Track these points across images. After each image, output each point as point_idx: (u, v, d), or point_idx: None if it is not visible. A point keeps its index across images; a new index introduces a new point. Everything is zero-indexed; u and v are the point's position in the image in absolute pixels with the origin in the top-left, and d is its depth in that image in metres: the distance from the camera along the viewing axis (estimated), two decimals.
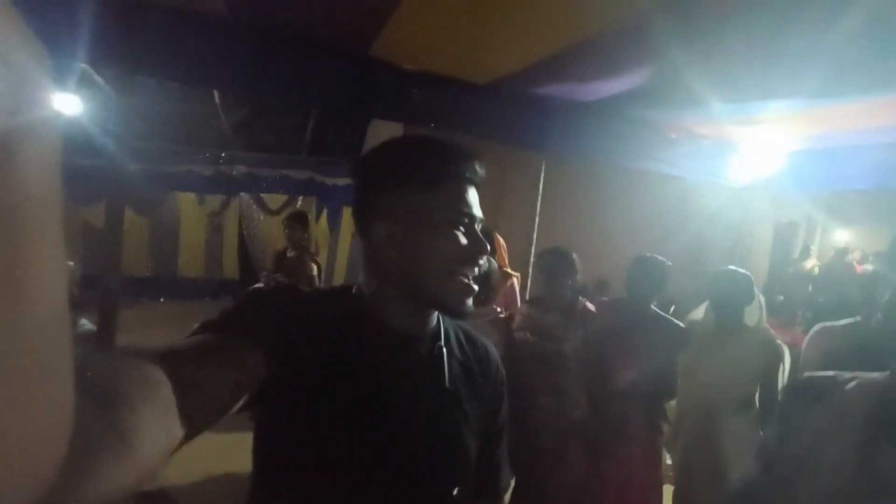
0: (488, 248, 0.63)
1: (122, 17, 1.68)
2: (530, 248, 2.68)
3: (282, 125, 5.05)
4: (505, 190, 3.58)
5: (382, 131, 4.65)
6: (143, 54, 1.78)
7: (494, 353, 0.76)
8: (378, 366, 0.60)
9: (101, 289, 2.27)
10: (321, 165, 5.51)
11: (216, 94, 3.76)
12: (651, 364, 1.64)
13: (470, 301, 0.62)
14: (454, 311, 0.62)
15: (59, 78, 3.57)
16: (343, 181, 5.28)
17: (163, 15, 1.73)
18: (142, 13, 1.70)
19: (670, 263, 1.77)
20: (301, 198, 5.58)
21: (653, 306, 1.79)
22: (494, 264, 1.69)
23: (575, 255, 1.74)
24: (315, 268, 3.04)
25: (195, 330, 0.51)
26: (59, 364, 0.21)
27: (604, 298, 1.80)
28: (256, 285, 3.34)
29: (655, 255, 1.78)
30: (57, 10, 1.56)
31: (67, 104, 3.57)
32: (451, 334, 0.69)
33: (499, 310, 1.70)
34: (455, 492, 0.64)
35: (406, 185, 0.61)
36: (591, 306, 1.77)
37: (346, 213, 4.72)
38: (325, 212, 5.45)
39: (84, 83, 3.53)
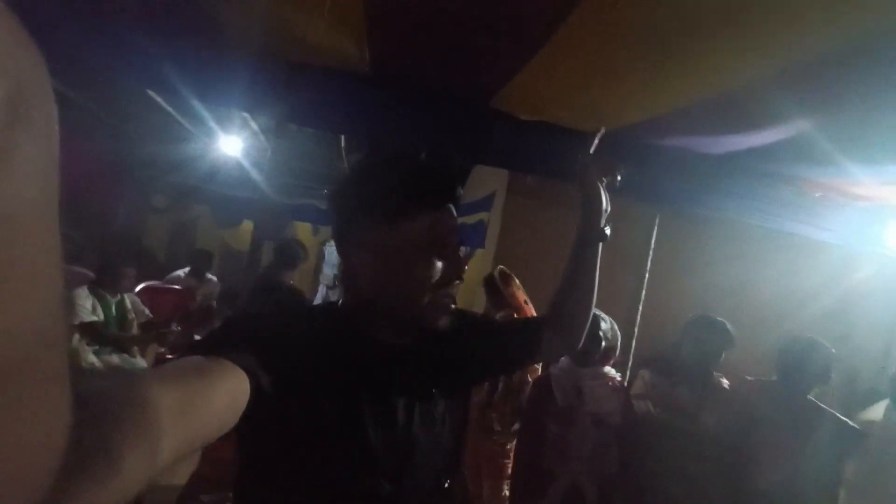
0: (464, 270, 0.64)
1: (279, 75, 1.98)
2: (637, 305, 2.49)
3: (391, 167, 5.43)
4: (615, 241, 3.41)
5: (482, 175, 4.81)
6: (292, 105, 2.07)
7: (464, 316, 0.77)
8: (365, 376, 0.61)
9: (235, 303, 2.57)
10: None
11: (342, 138, 4.20)
12: (808, 468, 1.35)
13: (447, 318, 0.64)
14: (430, 328, 0.64)
15: (224, 123, 4.31)
16: None
17: (313, 72, 2.01)
18: (296, 72, 1.99)
19: (834, 351, 1.49)
20: None
21: (810, 397, 1.52)
22: (615, 327, 1.55)
23: (731, 328, 1.52)
24: None
25: (184, 351, 0.52)
26: (55, 370, 0.21)
27: (747, 378, 1.53)
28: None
29: (817, 338, 1.52)
30: (225, 68, 1.91)
31: (230, 145, 4.32)
32: (432, 341, 0.69)
33: (615, 373, 1.54)
34: (447, 484, 0.66)
35: (379, 216, 0.62)
36: (727, 383, 1.54)
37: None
38: None
39: (243, 128, 4.23)
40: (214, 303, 3.17)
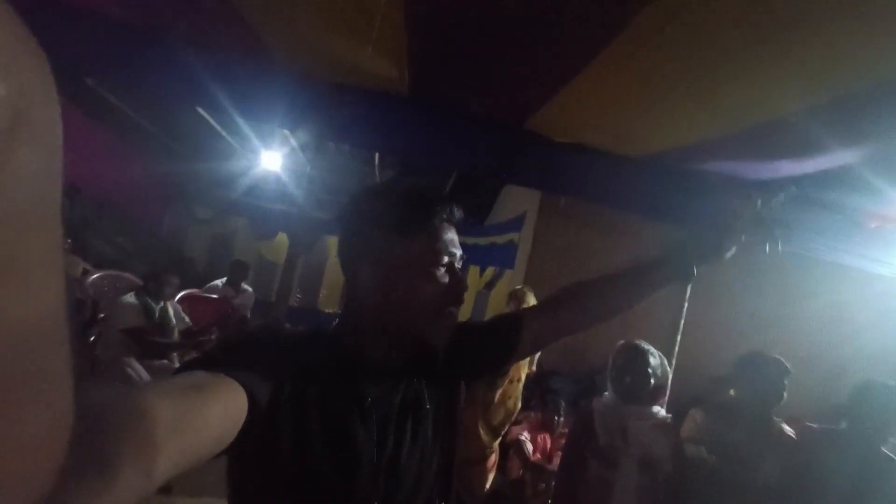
0: (467, 285, 0.65)
1: (320, 94, 2.05)
2: (675, 335, 2.38)
3: (423, 184, 5.53)
4: None
5: (513, 195, 4.80)
6: (331, 124, 2.13)
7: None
8: (359, 399, 0.61)
9: (269, 313, 2.63)
10: None
11: (376, 156, 4.30)
12: None
13: (446, 336, 0.65)
14: (437, 342, 0.65)
15: (266, 140, 4.50)
16: (471, 240, 5.49)
17: (353, 93, 2.08)
18: (337, 92, 2.06)
19: None
20: None
21: (885, 449, 1.35)
22: (665, 363, 1.45)
23: (789, 366, 1.38)
24: None
25: (180, 367, 0.51)
26: (58, 369, 0.21)
27: (811, 425, 1.38)
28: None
29: (890, 383, 1.38)
30: (270, 87, 1.99)
31: (270, 160, 4.52)
32: (423, 357, 0.70)
33: (666, 414, 1.41)
34: None
35: (385, 232, 0.63)
36: (790, 431, 1.38)
37: (472, 272, 4.85)
38: None
39: (283, 145, 4.41)
40: (248, 313, 3.26)
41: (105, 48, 1.90)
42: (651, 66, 1.36)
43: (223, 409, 0.46)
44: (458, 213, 0.68)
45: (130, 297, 2.35)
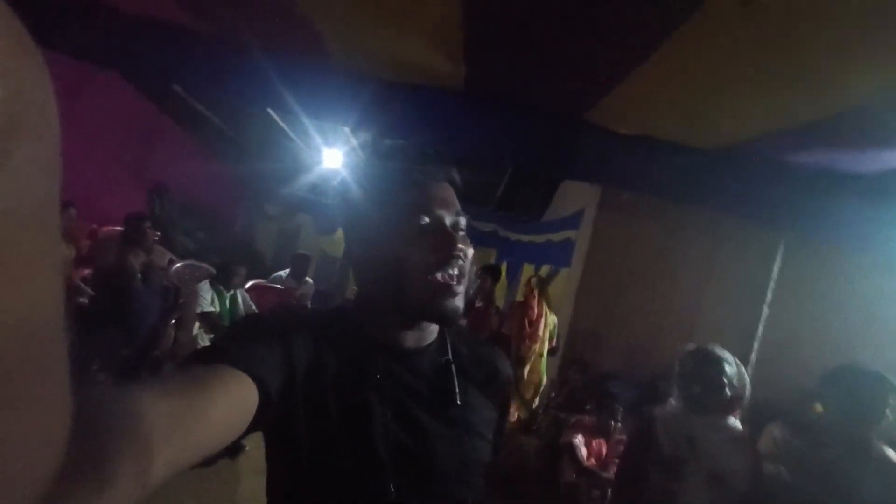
0: (457, 244, 0.58)
1: (378, 91, 2.09)
2: (752, 342, 2.18)
3: (479, 181, 5.49)
4: (725, 267, 3.04)
5: (571, 191, 4.63)
6: (389, 120, 2.16)
7: (502, 360, 0.73)
8: (377, 383, 0.58)
9: (328, 304, 2.74)
10: (506, 220, 5.75)
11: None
12: None
13: (454, 303, 0.58)
14: (437, 315, 0.59)
15: (329, 139, 4.70)
16: (526, 238, 5.39)
17: (410, 89, 2.10)
18: (394, 89, 2.08)
19: None
20: (482, 249, 5.92)
21: None
22: (743, 371, 1.29)
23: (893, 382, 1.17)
24: (499, 322, 3.08)
25: (188, 358, 0.50)
26: (55, 367, 0.21)
27: None
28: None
29: None
30: (331, 86, 2.05)
31: (332, 158, 4.73)
32: (458, 346, 0.67)
33: (741, 426, 1.21)
34: (470, 500, 0.61)
35: (369, 196, 0.61)
36: (893, 455, 1.16)
37: (527, 270, 4.75)
38: (504, 266, 5.62)
39: (344, 143, 4.59)
40: (309, 303, 3.43)
41: (189, 58, 2.07)
42: (729, 46, 1.24)
43: (228, 403, 0.44)
44: (446, 172, 0.62)
45: (205, 285, 2.58)
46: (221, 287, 2.65)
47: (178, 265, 3.96)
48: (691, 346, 1.27)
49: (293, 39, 1.90)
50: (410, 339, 0.62)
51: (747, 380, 1.25)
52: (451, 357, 0.65)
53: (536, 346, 2.98)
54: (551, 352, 3.15)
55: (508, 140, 2.15)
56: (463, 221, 0.62)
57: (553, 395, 3.14)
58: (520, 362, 2.96)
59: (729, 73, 1.40)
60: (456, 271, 0.59)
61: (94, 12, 1.97)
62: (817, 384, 1.23)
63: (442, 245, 0.58)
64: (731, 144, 1.90)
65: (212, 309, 2.54)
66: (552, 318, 3.11)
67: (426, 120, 2.11)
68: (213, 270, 2.87)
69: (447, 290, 0.58)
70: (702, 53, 1.29)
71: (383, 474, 0.55)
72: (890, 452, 1.11)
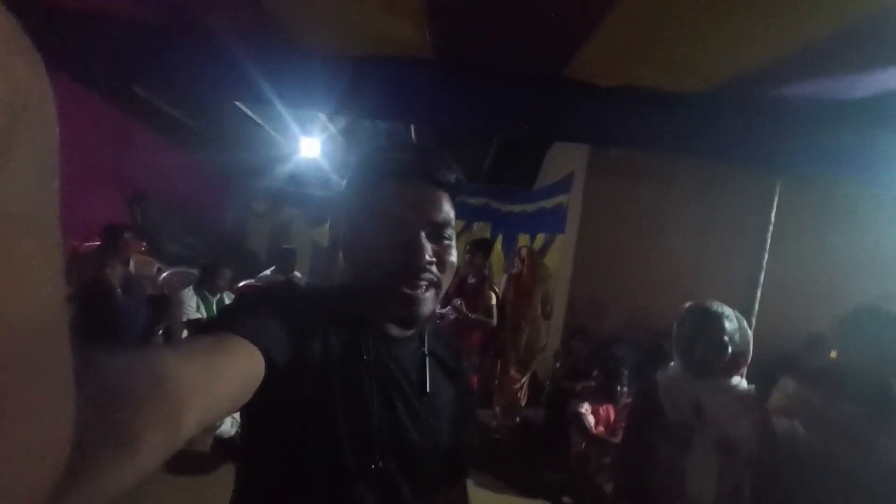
0: (422, 259, 0.56)
1: (346, 71, 1.98)
2: (755, 290, 2.12)
3: (464, 155, 5.38)
4: (722, 217, 2.96)
5: (560, 155, 4.51)
6: (364, 101, 2.05)
7: (464, 356, 0.77)
8: (368, 363, 0.60)
9: None
10: (497, 192, 5.65)
11: (412, 129, 4.20)
12: None
13: (414, 310, 0.58)
14: (395, 319, 0.61)
15: (306, 128, 4.56)
16: (518, 208, 5.29)
17: (378, 64, 1.98)
18: (363, 66, 1.97)
19: None
20: (477, 224, 5.83)
21: None
22: (744, 325, 1.20)
23: None
24: (493, 298, 3.02)
25: (198, 329, 0.51)
26: (57, 369, 0.21)
27: None
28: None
29: None
30: (296, 70, 1.94)
31: (310, 147, 4.59)
32: (432, 338, 0.70)
33: (748, 385, 1.15)
34: (448, 480, 0.68)
35: (345, 191, 0.61)
36: None
37: (522, 240, 4.68)
38: (500, 238, 5.53)
39: (322, 130, 4.44)
40: None
41: (144, 54, 1.96)
42: None
43: (239, 371, 0.46)
44: (421, 165, 0.58)
45: (189, 292, 2.50)
46: (206, 291, 2.57)
47: (166, 273, 3.88)
48: (688, 305, 1.19)
49: (252, 26, 1.79)
50: (395, 329, 0.64)
51: (750, 334, 1.17)
52: (426, 350, 0.67)
53: (530, 313, 3.13)
54: (546, 315, 3.29)
55: (486, 107, 2.05)
56: (448, 230, 0.59)
57: (558, 364, 3.11)
58: (515, 329, 3.12)
59: (704, 8, 1.29)
60: (423, 283, 0.58)
61: (33, 8, 1.83)
62: (833, 329, 1.15)
63: (406, 257, 0.56)
64: (715, 86, 1.80)
65: (198, 315, 2.47)
66: (546, 285, 3.22)
67: (399, 94, 2.01)
68: (197, 273, 2.79)
69: (407, 301, 0.57)
70: None
71: (372, 446, 0.58)
72: None
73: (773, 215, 2.08)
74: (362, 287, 0.61)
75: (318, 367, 0.56)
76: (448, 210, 0.59)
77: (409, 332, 0.66)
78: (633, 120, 1.94)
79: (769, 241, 2.08)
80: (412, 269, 0.57)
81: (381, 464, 0.58)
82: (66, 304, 0.21)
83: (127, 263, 2.58)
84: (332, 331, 0.59)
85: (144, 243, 4.68)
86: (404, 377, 0.63)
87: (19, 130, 0.17)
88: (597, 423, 2.26)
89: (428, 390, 0.65)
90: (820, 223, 2.85)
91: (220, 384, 0.42)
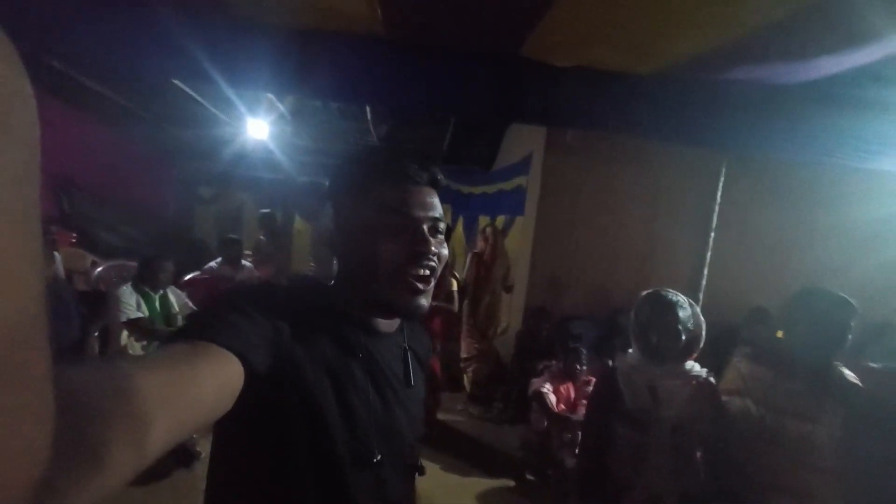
0: (430, 247, 0.62)
1: (297, 48, 1.84)
2: (702, 269, 2.21)
3: (421, 135, 5.27)
4: (673, 196, 3.05)
5: (517, 136, 4.51)
6: (313, 80, 1.93)
7: (429, 342, 0.83)
8: (360, 359, 0.62)
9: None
10: (456, 173, 5.58)
11: (368, 110, 4.05)
12: None
13: (419, 301, 0.62)
14: (402, 311, 0.64)
15: (253, 109, 4.28)
16: (478, 189, 5.27)
17: (327, 41, 1.86)
18: (311, 42, 1.84)
19: None
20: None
21: None
22: (697, 311, 1.24)
23: (856, 303, 1.13)
24: (455, 284, 3.01)
25: (174, 334, 0.50)
26: (36, 374, 0.21)
27: (873, 365, 1.21)
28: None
29: None
30: (240, 47, 1.80)
31: (258, 129, 4.32)
32: (409, 331, 0.74)
33: (700, 369, 1.21)
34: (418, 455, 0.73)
35: (349, 190, 0.65)
36: (852, 376, 1.16)
37: (483, 222, 4.68)
38: (461, 220, 5.51)
39: (269, 111, 4.18)
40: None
41: (59, 21, 1.73)
42: None
43: (216, 380, 0.45)
44: (429, 173, 0.65)
45: (127, 289, 2.29)
46: (146, 287, 2.36)
47: (101, 267, 3.58)
48: (644, 294, 1.21)
49: None
50: (383, 324, 0.67)
51: (702, 321, 1.21)
52: (407, 344, 0.71)
53: (490, 286, 3.35)
54: (507, 289, 3.51)
55: (441, 88, 1.98)
56: (442, 224, 0.65)
57: (519, 344, 3.17)
58: (475, 301, 3.32)
59: None
60: (427, 272, 0.62)
61: None
62: (779, 310, 1.21)
63: (414, 246, 0.61)
64: (666, 67, 1.82)
65: (139, 314, 2.27)
66: (506, 261, 3.45)
67: (350, 74, 1.89)
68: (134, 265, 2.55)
69: (414, 289, 0.62)
70: None
71: (370, 441, 0.60)
72: (849, 374, 1.12)
73: (719, 195, 2.16)
74: (362, 282, 0.63)
75: (307, 367, 0.56)
76: (440, 207, 0.66)
77: (395, 328, 0.70)
78: (586, 100, 1.94)
79: (715, 219, 2.17)
80: (419, 257, 0.61)
81: (379, 457, 0.60)
82: (46, 301, 0.21)
83: (51, 260, 2.33)
84: (318, 329, 0.60)
85: (74, 234, 4.29)
86: (391, 371, 0.66)
87: (3, 133, 0.17)
88: (558, 401, 2.32)
89: (412, 383, 0.69)
90: (762, 203, 3.01)
91: (192, 396, 0.41)
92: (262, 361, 0.50)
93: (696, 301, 2.15)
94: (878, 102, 1.84)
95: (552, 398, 2.29)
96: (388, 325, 0.68)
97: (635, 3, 1.42)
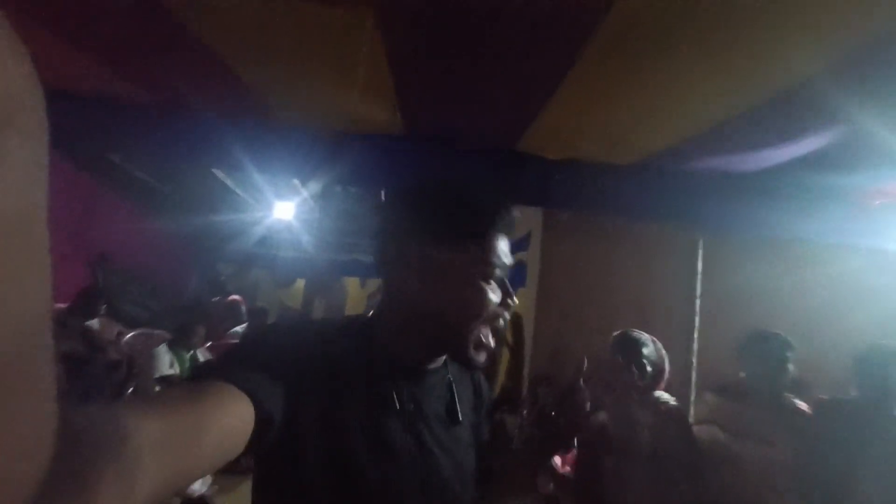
0: (509, 308, 0.60)
1: (324, 144, 2.19)
2: (692, 332, 2.38)
3: None
4: (658, 270, 3.30)
5: (517, 220, 4.85)
6: (337, 170, 2.26)
7: (483, 378, 0.77)
8: (389, 398, 0.58)
9: None
10: None
11: (383, 193, 4.45)
12: None
13: (484, 356, 0.60)
14: (466, 364, 0.61)
15: (279, 192, 4.74)
16: None
17: (353, 138, 2.22)
18: (338, 140, 2.20)
19: None
20: None
21: None
22: (659, 347, 1.48)
23: (790, 338, 1.40)
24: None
25: (192, 374, 0.49)
26: (41, 376, 0.21)
27: (821, 397, 1.45)
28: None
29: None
30: (277, 143, 2.13)
31: (284, 210, 4.75)
32: (454, 366, 0.69)
33: (668, 397, 1.40)
34: None
35: (436, 239, 0.60)
36: (803, 405, 1.38)
37: None
38: None
39: (294, 194, 4.64)
40: None
41: (125, 127, 2.10)
42: (625, 68, 1.38)
43: (223, 422, 0.43)
44: (510, 220, 0.64)
45: (162, 349, 2.52)
46: (179, 349, 2.59)
47: (128, 336, 3.77)
48: (615, 334, 1.43)
49: (231, 99, 1.99)
50: (425, 360, 0.64)
51: (664, 355, 1.41)
52: (451, 377, 0.67)
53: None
54: (512, 351, 3.62)
55: (448, 175, 2.30)
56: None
57: (525, 412, 3.20)
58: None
59: (628, 92, 1.58)
60: (501, 327, 0.61)
61: None
62: (737, 353, 1.42)
63: (503, 303, 0.60)
64: (643, 158, 2.14)
65: (171, 371, 2.47)
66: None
67: (369, 165, 2.23)
68: (168, 336, 2.80)
69: (482, 347, 0.60)
70: (603, 77, 1.44)
71: (406, 497, 0.55)
72: (798, 403, 1.31)
73: (699, 267, 2.39)
74: (426, 327, 0.59)
75: (337, 415, 0.53)
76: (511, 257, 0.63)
77: (441, 362, 0.65)
78: (575, 188, 2.25)
79: (699, 289, 2.38)
80: (499, 316, 0.60)
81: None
82: (52, 307, 0.21)
83: (91, 327, 2.55)
84: (351, 375, 0.56)
85: (105, 306, 4.53)
86: (436, 410, 0.62)
87: (11, 133, 0.17)
88: (563, 463, 2.34)
89: (459, 419, 0.64)
90: (738, 272, 3.23)
91: (191, 441, 0.39)
92: (277, 404, 0.48)
93: (690, 363, 2.30)
94: (826, 187, 2.13)
95: (557, 460, 2.32)
96: (436, 362, 0.65)
97: (613, 105, 1.68)
